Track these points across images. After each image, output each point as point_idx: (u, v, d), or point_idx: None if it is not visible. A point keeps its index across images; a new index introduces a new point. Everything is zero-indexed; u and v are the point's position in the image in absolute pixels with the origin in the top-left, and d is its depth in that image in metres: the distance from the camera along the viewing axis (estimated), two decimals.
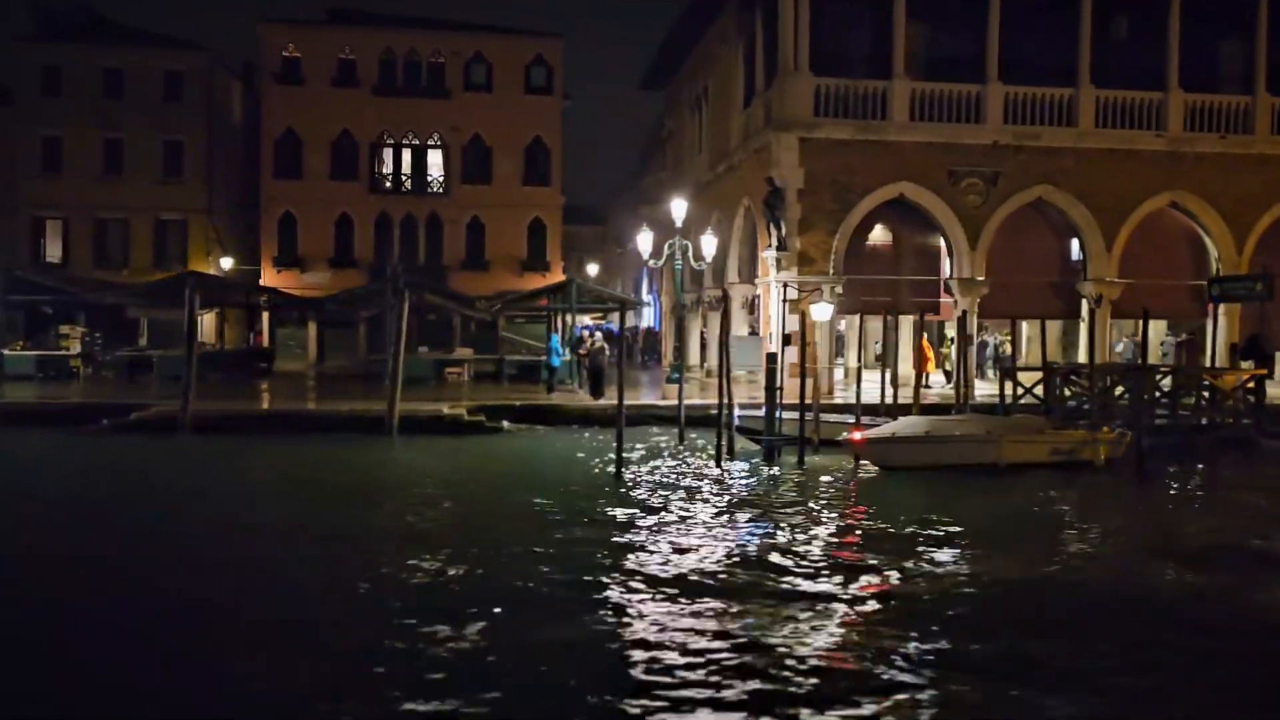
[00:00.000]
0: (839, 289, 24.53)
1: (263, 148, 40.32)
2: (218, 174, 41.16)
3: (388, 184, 41.08)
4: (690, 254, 22.93)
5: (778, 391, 15.84)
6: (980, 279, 25.02)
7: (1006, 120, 24.94)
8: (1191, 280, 26.38)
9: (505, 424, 20.53)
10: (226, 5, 70.41)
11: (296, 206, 40.20)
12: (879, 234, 25.30)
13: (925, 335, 27.58)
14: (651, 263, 23.68)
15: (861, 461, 15.25)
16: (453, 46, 40.94)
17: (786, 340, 17.27)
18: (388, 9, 46.47)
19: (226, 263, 39.76)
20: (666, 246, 23.01)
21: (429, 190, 41.29)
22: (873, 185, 24.51)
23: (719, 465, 15.40)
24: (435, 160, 41.43)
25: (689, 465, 15.94)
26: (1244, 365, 19.78)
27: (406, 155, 41.41)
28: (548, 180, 41.76)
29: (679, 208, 22.96)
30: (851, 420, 17.81)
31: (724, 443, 15.96)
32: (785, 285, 22.83)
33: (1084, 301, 25.85)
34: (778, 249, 24.18)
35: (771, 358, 16.05)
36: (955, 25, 25.93)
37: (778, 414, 16.04)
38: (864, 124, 24.38)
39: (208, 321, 40.91)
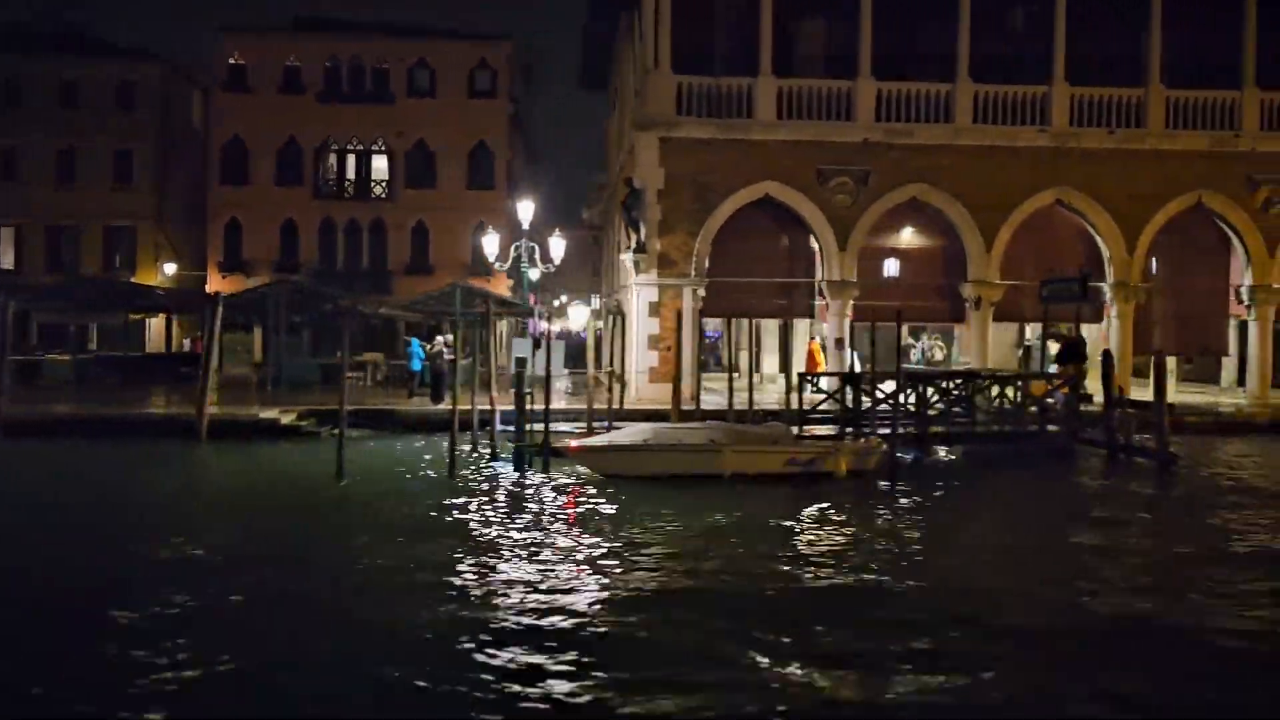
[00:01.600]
0: (701, 291, 24.02)
1: (209, 155, 40.89)
2: (170, 181, 41.80)
3: (332, 189, 41.34)
4: (537, 256, 22.68)
5: (527, 396, 15.40)
6: (851, 280, 24.26)
7: (879, 118, 24.19)
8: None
9: (323, 431, 20.36)
10: (198, 15, 72.13)
11: (242, 212, 40.61)
12: (752, 235, 24.60)
13: (815, 339, 27.03)
14: (498, 265, 23.38)
15: (610, 471, 14.67)
16: (397, 52, 41.08)
17: (537, 344, 16.76)
18: (361, 16, 46.86)
19: (170, 268, 40.37)
20: (513, 249, 22.76)
21: (373, 195, 41.46)
22: (736, 185, 23.94)
23: (451, 473, 15.04)
24: (380, 165, 41.62)
25: (428, 473, 15.62)
26: (1064, 370, 18.80)
27: (351, 161, 41.66)
28: (492, 184, 41.66)
29: (525, 209, 22.70)
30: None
31: (455, 447, 15.57)
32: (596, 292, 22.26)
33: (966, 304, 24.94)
34: (635, 251, 23.74)
35: (520, 362, 15.64)
36: (850, 22, 25.31)
37: (528, 419, 15.61)
38: (726, 123, 23.81)
39: (156, 326, 41.80)
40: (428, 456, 17.62)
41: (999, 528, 12.64)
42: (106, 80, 40.68)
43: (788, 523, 12.14)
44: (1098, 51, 25.18)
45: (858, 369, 26.58)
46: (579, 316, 20.35)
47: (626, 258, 24.12)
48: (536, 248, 22.73)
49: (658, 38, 23.88)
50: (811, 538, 11.55)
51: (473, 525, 11.96)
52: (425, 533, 11.52)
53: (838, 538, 11.56)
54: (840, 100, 24.15)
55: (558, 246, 23.15)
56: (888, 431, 15.86)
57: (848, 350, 24.46)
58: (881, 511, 13.08)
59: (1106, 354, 17.83)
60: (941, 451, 18.28)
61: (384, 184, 41.48)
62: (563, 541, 11.12)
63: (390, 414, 21.82)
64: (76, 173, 40.42)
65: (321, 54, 40.89)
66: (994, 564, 10.72)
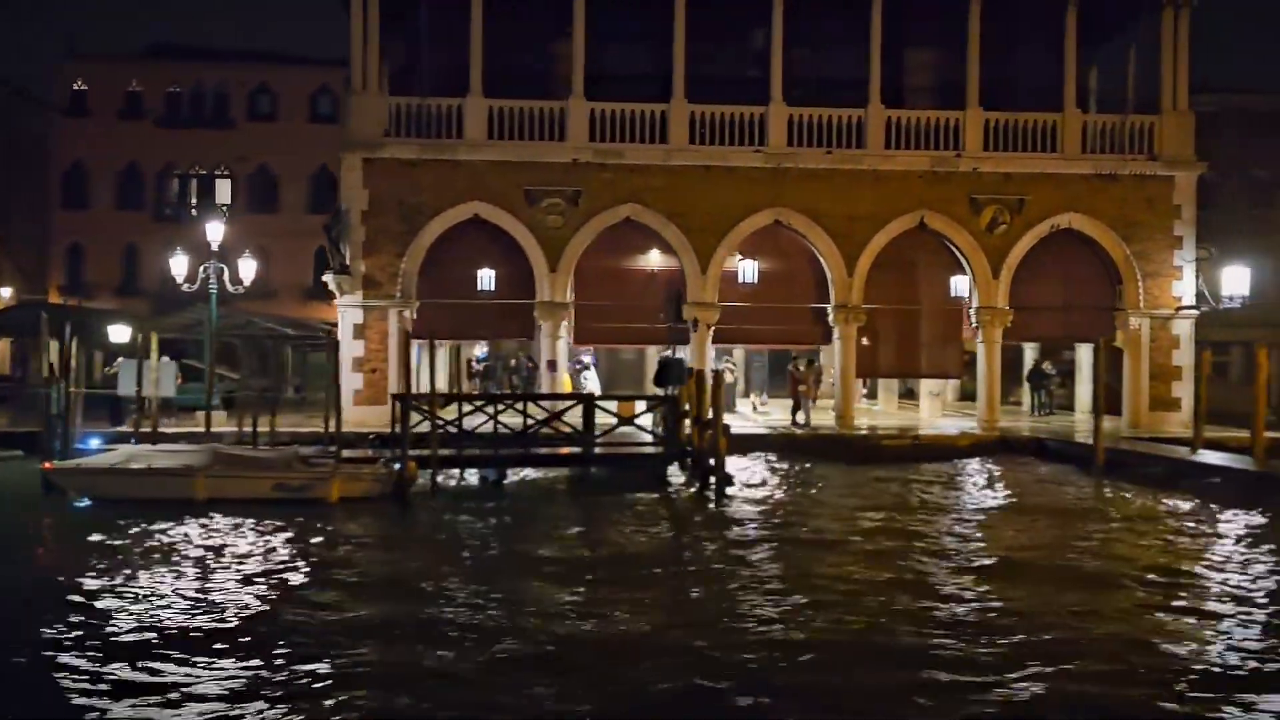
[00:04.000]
0: (408, 312, 23.85)
1: (50, 180, 41.20)
2: (15, 205, 42.02)
3: (174, 213, 41.55)
4: (226, 277, 22.64)
5: (60, 419, 15.26)
6: (564, 302, 24.04)
7: (593, 138, 24.04)
8: (814, 304, 25.04)
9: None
10: (53, 41, 73.92)
11: (84, 236, 40.91)
12: (466, 256, 24.37)
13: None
14: (186, 287, 23.30)
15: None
16: (238, 77, 41.40)
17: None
18: (227, 43, 47.49)
19: (5, 292, 40.53)
20: (201, 270, 22.70)
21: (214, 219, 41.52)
22: (443, 206, 23.82)
23: None
24: (221, 189, 41.86)
25: None
26: (663, 392, 18.47)
27: (193, 185, 41.90)
28: (334, 208, 41.72)
29: (214, 231, 22.69)
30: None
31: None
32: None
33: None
34: (337, 272, 23.65)
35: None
36: (629, 42, 25.46)
37: (74, 443, 15.46)
38: (432, 143, 23.74)
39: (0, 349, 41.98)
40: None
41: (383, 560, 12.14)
42: None
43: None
44: (819, 72, 25.14)
45: (597, 393, 26.43)
46: (119, 335, 20.08)
47: (329, 279, 24.00)
48: (225, 269, 22.70)
49: (365, 59, 23.88)
50: None
51: None
52: None
53: None
54: (552, 120, 24.04)
55: (248, 268, 23.10)
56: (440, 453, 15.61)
57: (560, 373, 24.19)
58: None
59: (699, 373, 17.50)
60: (532, 473, 17.96)
61: (225, 208, 41.67)
62: None
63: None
64: None
65: (163, 80, 41.29)
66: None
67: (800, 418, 24.25)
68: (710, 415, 16.71)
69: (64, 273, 41.14)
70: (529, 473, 18.00)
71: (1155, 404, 24.60)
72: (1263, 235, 43.34)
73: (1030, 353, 30.01)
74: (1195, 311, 24.80)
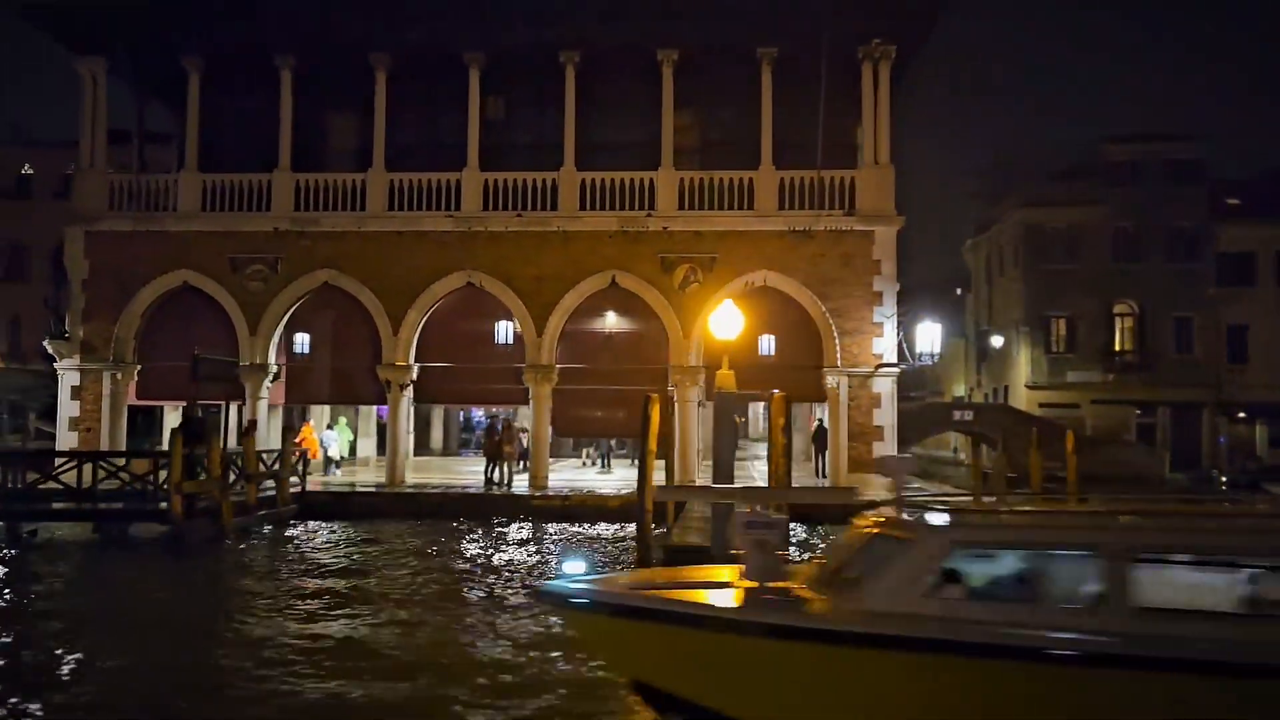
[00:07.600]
0: (121, 375, 25.25)
1: None
2: None
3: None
4: None
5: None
6: (262, 364, 24.98)
7: (299, 207, 25.17)
8: (510, 364, 25.22)
9: None
10: None
11: None
12: (179, 321, 25.65)
13: (309, 421, 27.92)
14: None
15: None
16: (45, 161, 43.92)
17: None
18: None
19: None
20: None
21: None
22: (155, 274, 25.26)
23: None
24: None
25: None
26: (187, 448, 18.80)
27: None
28: None
29: None
30: None
31: None
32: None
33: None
34: (55, 338, 25.34)
35: None
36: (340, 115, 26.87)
37: None
38: (145, 215, 25.36)
39: None
40: None
41: None
42: None
43: None
44: (518, 138, 25.75)
45: (334, 454, 27.27)
46: None
47: (48, 344, 25.69)
48: None
49: (94, 140, 25.78)
50: None
51: None
52: None
53: None
54: (261, 192, 25.30)
55: None
56: None
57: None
58: None
59: (203, 423, 18.02)
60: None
61: None
62: None
63: None
64: None
65: (13, 164, 44.37)
66: None
67: (497, 477, 24.37)
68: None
69: None
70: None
71: (855, 465, 23.63)
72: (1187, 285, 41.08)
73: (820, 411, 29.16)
74: (896, 369, 23.85)
